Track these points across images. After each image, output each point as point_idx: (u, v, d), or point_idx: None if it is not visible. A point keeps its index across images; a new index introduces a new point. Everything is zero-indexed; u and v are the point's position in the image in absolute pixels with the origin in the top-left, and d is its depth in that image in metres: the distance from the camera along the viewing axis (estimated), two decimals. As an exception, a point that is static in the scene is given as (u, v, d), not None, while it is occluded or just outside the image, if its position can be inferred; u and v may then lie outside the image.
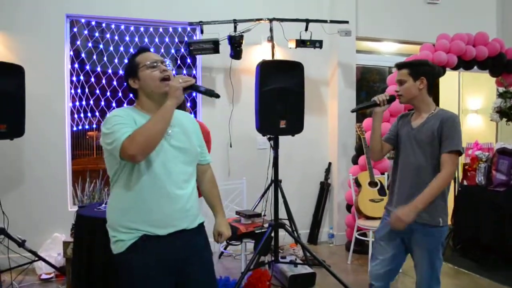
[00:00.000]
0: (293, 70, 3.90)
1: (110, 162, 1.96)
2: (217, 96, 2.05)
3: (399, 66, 2.70)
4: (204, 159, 2.27)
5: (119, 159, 1.85)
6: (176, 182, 1.99)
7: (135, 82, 2.01)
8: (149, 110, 2.00)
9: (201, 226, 2.15)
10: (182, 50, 5.23)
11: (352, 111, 2.95)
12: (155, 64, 1.98)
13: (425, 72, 2.63)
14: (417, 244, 2.60)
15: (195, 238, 2.09)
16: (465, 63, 5.43)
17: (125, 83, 2.09)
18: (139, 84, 2.01)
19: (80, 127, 5.11)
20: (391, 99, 2.69)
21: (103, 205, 3.53)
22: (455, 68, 5.40)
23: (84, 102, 5.07)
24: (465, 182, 5.23)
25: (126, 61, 2.19)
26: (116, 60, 5.14)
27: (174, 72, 4.91)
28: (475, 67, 5.60)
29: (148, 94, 2.01)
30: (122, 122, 1.87)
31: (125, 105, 5.10)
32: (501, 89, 5.73)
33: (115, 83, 5.18)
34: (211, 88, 2.06)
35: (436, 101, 7.88)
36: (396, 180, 2.72)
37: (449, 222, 5.36)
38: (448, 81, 7.04)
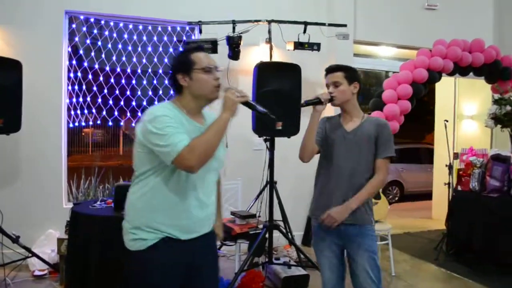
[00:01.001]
0: (291, 72, 3.92)
1: (146, 159, 1.92)
2: (274, 119, 2.09)
3: (334, 69, 2.65)
4: None
5: (167, 163, 1.84)
6: (208, 191, 2.06)
7: (185, 80, 1.99)
8: (190, 111, 2.01)
9: (213, 229, 2.19)
10: (181, 49, 5.23)
11: (300, 107, 2.79)
12: (210, 68, 2.00)
13: (358, 77, 2.68)
14: (358, 246, 2.57)
15: (210, 242, 2.16)
16: (461, 69, 5.47)
17: (171, 75, 2.04)
18: (189, 83, 1.99)
19: (76, 124, 5.10)
20: (331, 100, 2.60)
21: (98, 203, 3.53)
22: (451, 74, 5.44)
23: (81, 99, 5.06)
24: (459, 187, 5.26)
25: (176, 54, 2.15)
26: (114, 58, 5.14)
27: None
28: (471, 74, 5.64)
29: (195, 95, 2.01)
30: (173, 125, 1.85)
31: (122, 102, 5.12)
32: (497, 96, 5.77)
33: (112, 80, 5.18)
34: (266, 110, 2.06)
35: (432, 106, 7.96)
36: (328, 184, 2.64)
37: (443, 227, 5.46)
38: (444, 87, 7.10)
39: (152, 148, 1.86)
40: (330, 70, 2.66)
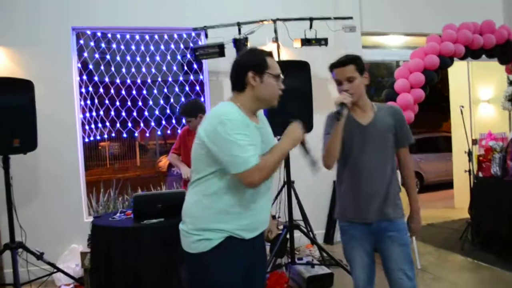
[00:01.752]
0: (300, 69, 3.90)
1: (211, 161, 1.91)
2: (317, 170, 2.12)
3: (344, 62, 2.45)
4: None
5: (228, 171, 1.86)
6: (266, 190, 2.07)
7: (255, 80, 1.98)
8: (247, 110, 2.01)
9: None
10: (188, 55, 5.25)
11: (338, 120, 2.38)
12: (279, 77, 2.04)
13: (365, 66, 2.51)
14: (391, 241, 2.47)
15: (263, 240, 2.19)
16: (472, 52, 5.36)
17: (238, 72, 2.01)
18: (257, 84, 1.99)
19: (92, 138, 5.15)
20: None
21: (118, 215, 3.55)
22: (463, 58, 5.34)
23: (94, 113, 5.11)
24: (480, 174, 5.16)
25: (249, 51, 2.15)
26: (123, 70, 5.18)
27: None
28: (483, 56, 5.53)
29: (258, 97, 2.02)
30: (243, 133, 1.86)
31: (134, 113, 5.14)
32: (512, 77, 5.67)
33: (123, 92, 5.21)
34: (315, 160, 2.11)
35: (446, 93, 7.85)
36: (354, 182, 2.49)
37: (467, 216, 5.36)
38: (458, 72, 6.98)
39: (217, 153, 1.86)
40: (340, 64, 2.47)
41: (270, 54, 2.07)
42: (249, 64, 2.00)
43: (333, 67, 2.52)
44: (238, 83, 2.02)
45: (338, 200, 2.68)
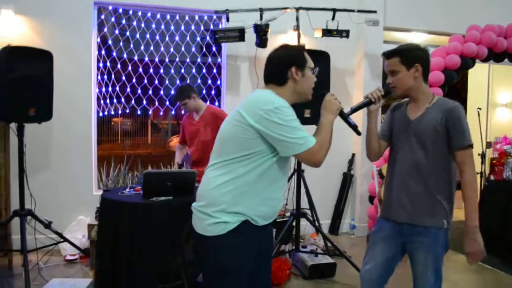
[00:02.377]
0: (319, 59, 3.85)
1: (245, 145, 1.91)
2: (359, 133, 2.20)
3: (388, 54, 2.37)
4: None
5: (285, 154, 1.93)
6: (286, 183, 2.13)
7: (297, 74, 2.03)
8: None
9: None
10: (208, 38, 5.23)
11: (350, 114, 2.31)
12: (315, 71, 2.11)
13: (419, 57, 2.32)
14: (420, 247, 2.31)
15: (271, 228, 2.22)
16: (495, 55, 5.31)
17: (280, 66, 2.04)
18: (299, 78, 2.04)
19: (106, 113, 5.18)
20: (386, 93, 2.38)
21: (127, 190, 3.58)
22: (485, 60, 5.29)
23: (110, 89, 5.13)
24: (492, 177, 5.12)
25: (289, 47, 2.15)
26: (142, 47, 5.18)
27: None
28: (506, 60, 5.46)
29: (298, 92, 2.07)
30: (295, 119, 1.92)
31: (150, 91, 5.16)
32: (533, 83, 5.59)
33: (140, 70, 5.23)
34: (356, 124, 2.18)
35: (464, 94, 7.77)
36: (392, 181, 2.43)
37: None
38: (478, 74, 6.92)
39: (272, 137, 1.88)
40: (386, 55, 2.38)
41: (304, 48, 2.13)
42: (292, 59, 2.04)
43: (383, 57, 2.44)
44: (279, 78, 2.04)
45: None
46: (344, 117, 2.16)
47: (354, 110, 2.36)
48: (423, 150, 2.29)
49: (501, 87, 7.00)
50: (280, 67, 2.04)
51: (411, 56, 2.31)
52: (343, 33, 4.88)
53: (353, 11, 5.00)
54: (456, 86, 6.52)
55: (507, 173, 4.85)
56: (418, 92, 2.34)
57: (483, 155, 5.15)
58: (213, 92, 5.37)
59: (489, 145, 5.66)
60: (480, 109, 5.27)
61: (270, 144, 1.92)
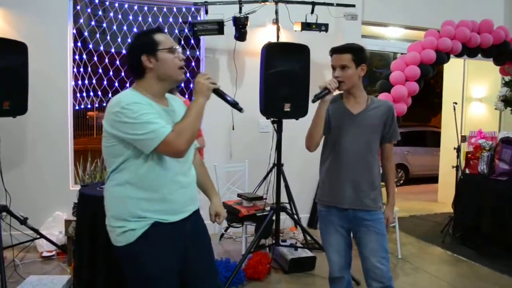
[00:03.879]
0: (299, 53, 3.87)
1: (118, 151, 1.87)
2: (240, 110, 2.05)
3: (342, 50, 2.50)
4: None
5: (146, 151, 1.81)
6: (184, 170, 2.00)
7: (151, 61, 1.91)
8: (154, 94, 1.95)
9: (198, 209, 2.15)
10: (186, 30, 5.18)
11: (313, 102, 2.51)
12: (174, 49, 1.95)
13: (365, 58, 2.53)
14: (367, 230, 2.55)
15: (199, 220, 2.13)
16: (469, 51, 5.39)
17: (132, 59, 1.94)
18: (154, 64, 1.92)
19: (82, 106, 5.08)
20: (338, 86, 2.49)
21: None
22: (459, 55, 5.36)
23: (86, 81, 5.03)
24: (467, 171, 5.23)
25: (136, 36, 2.03)
26: (119, 40, 5.09)
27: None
28: (479, 55, 5.56)
29: (161, 77, 1.94)
30: (148, 112, 1.81)
31: (127, 84, 5.08)
32: (507, 78, 5.71)
33: (118, 62, 5.14)
34: (236, 101, 2.06)
35: (439, 89, 7.90)
36: (336, 169, 2.57)
37: (449, 210, 5.45)
38: (453, 69, 7.03)
39: (127, 138, 1.81)
40: (337, 50, 2.51)
41: (157, 30, 1.99)
42: (139, 48, 1.93)
43: (332, 52, 2.57)
44: (136, 71, 1.96)
45: (319, 183, 2.76)
46: (221, 94, 2.02)
47: (319, 97, 2.44)
48: (366, 142, 2.54)
49: (476, 82, 7.12)
50: (132, 60, 1.95)
51: (361, 56, 2.50)
52: (322, 27, 4.89)
53: (332, 4, 5.01)
54: (430, 81, 6.62)
55: (481, 166, 4.95)
56: (359, 89, 2.56)
57: (458, 149, 5.24)
58: (191, 85, 5.32)
59: (464, 139, 5.77)
60: (456, 103, 5.35)
61: (134, 146, 1.84)
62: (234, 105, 2.05)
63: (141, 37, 1.99)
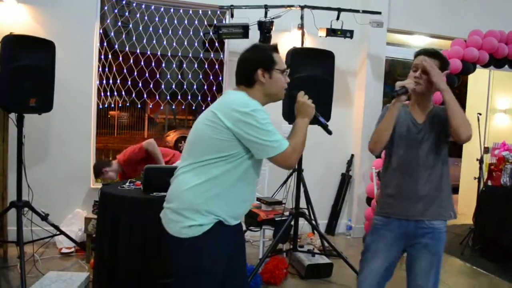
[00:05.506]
0: (324, 59, 3.85)
1: (221, 146, 1.91)
2: (330, 132, 2.25)
3: (431, 53, 2.36)
4: None
5: (260, 156, 1.95)
6: (255, 188, 2.16)
7: (264, 77, 2.02)
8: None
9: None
10: (211, 33, 5.20)
11: (395, 95, 2.34)
12: (286, 71, 2.10)
13: (447, 68, 2.39)
14: (425, 250, 2.35)
15: (241, 225, 2.22)
16: (496, 61, 5.31)
17: (247, 69, 2.04)
18: (267, 80, 2.02)
19: (106, 106, 5.14)
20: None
21: (127, 184, 3.56)
22: (486, 65, 5.29)
23: (111, 81, 5.09)
24: (489, 182, 5.14)
25: (256, 49, 2.10)
26: (144, 41, 5.14)
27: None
28: (506, 66, 5.47)
29: (267, 93, 2.06)
30: (270, 122, 1.93)
31: (151, 85, 5.12)
32: (533, 90, 5.60)
33: (142, 63, 5.18)
34: (327, 123, 2.23)
35: (463, 98, 7.79)
36: (397, 178, 2.42)
37: (470, 222, 5.36)
38: (478, 79, 6.93)
39: (248, 139, 1.90)
40: (427, 53, 2.37)
41: (275, 49, 2.11)
42: (258, 61, 2.03)
43: (420, 53, 2.41)
44: (247, 80, 2.05)
45: (379, 194, 2.60)
46: (316, 116, 2.16)
47: (397, 94, 2.32)
48: (433, 152, 2.37)
49: (501, 93, 7.01)
50: (247, 69, 2.04)
51: (445, 67, 2.36)
52: (347, 33, 4.86)
53: (358, 11, 4.98)
54: (455, 92, 6.53)
55: (504, 179, 4.86)
56: (429, 99, 2.43)
57: (481, 160, 5.16)
58: (214, 88, 5.35)
59: (486, 150, 5.67)
60: (480, 114, 5.27)
61: (245, 147, 1.93)
62: (325, 127, 2.21)
63: (260, 50, 2.10)
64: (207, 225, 1.93)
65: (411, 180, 2.38)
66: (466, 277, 4.39)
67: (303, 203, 4.49)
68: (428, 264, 2.34)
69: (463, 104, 7.75)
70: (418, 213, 2.36)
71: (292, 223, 4.11)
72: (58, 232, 4.18)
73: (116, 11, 5.05)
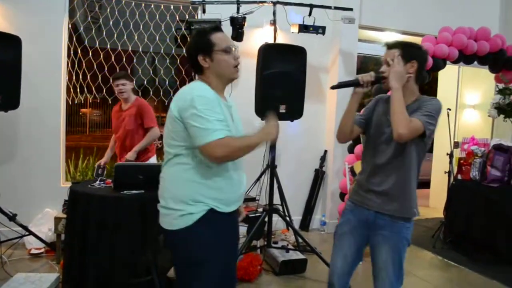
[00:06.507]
0: (296, 54, 3.86)
1: (184, 136, 1.93)
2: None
3: (390, 45, 2.33)
4: None
5: (194, 144, 1.89)
6: (242, 169, 2.14)
7: (206, 61, 2.02)
8: (216, 88, 2.04)
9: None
10: (183, 29, 5.13)
11: (332, 88, 2.48)
12: (230, 49, 2.04)
13: (417, 55, 2.29)
14: (384, 244, 2.34)
15: (237, 217, 2.24)
16: (465, 57, 5.40)
17: (190, 58, 2.06)
18: (210, 64, 2.02)
19: (76, 102, 5.03)
20: (377, 80, 2.31)
21: (97, 182, 3.50)
22: (455, 61, 5.38)
23: (80, 78, 4.98)
24: (459, 176, 5.24)
25: (194, 35, 2.16)
26: (115, 37, 5.05)
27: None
28: (475, 62, 5.58)
29: (218, 75, 2.05)
30: (214, 110, 1.89)
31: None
32: (501, 86, 5.73)
33: (113, 59, 5.09)
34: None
35: (435, 94, 7.92)
36: (366, 169, 2.44)
37: (441, 215, 5.45)
38: (448, 75, 7.06)
39: (188, 127, 1.89)
40: (387, 46, 2.35)
41: (215, 29, 2.08)
42: (196, 48, 2.04)
43: (386, 47, 2.39)
44: (196, 68, 2.07)
45: (355, 180, 2.64)
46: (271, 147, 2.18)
47: (341, 85, 2.37)
48: (402, 145, 2.28)
49: (470, 89, 7.16)
50: (191, 59, 2.06)
51: (411, 52, 2.28)
52: (320, 30, 4.87)
53: (330, 7, 5.01)
54: (424, 88, 6.64)
55: (474, 172, 4.97)
56: (406, 89, 2.30)
57: (451, 155, 5.26)
58: (186, 84, 5.28)
59: (456, 145, 5.78)
60: (449, 109, 5.36)
61: None
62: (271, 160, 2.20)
63: (198, 37, 2.08)
64: (198, 213, 1.93)
65: (374, 173, 2.39)
66: (437, 269, 4.47)
67: (277, 199, 4.49)
68: (389, 258, 2.33)
69: (433, 100, 7.89)
70: (377, 205, 2.37)
71: (266, 219, 4.11)
72: (27, 233, 4.09)
73: (85, 6, 4.94)
